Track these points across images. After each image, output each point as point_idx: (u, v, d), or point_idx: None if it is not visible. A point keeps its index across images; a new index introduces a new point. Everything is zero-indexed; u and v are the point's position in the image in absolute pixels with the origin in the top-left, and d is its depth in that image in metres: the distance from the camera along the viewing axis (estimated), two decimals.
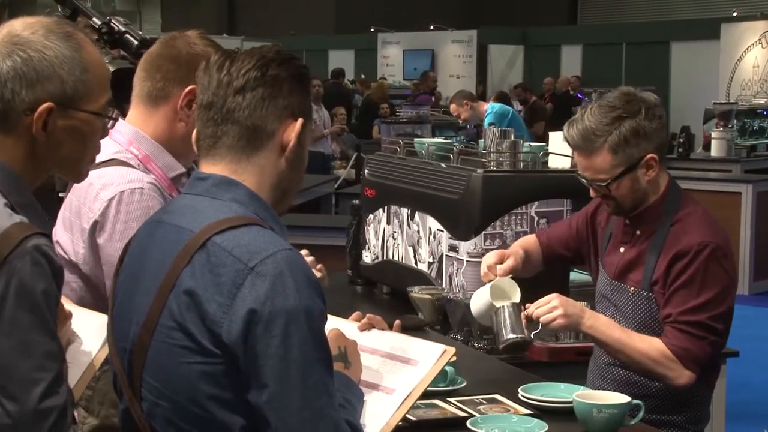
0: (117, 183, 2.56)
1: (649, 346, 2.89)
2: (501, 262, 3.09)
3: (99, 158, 2.65)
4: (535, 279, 3.58)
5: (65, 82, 1.90)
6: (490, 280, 3.05)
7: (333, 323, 2.21)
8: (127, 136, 2.66)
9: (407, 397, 2.07)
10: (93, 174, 2.61)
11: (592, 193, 3.05)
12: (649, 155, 2.91)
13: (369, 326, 2.27)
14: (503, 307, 2.93)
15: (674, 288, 2.89)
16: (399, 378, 2.11)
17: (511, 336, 2.87)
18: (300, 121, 1.95)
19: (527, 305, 2.96)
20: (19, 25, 1.93)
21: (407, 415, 2.55)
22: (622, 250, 3.04)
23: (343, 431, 1.82)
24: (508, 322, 2.90)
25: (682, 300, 2.87)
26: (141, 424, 1.90)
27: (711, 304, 2.86)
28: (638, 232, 3.01)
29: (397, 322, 2.39)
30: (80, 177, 2.05)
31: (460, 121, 10.28)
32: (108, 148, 2.67)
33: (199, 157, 1.98)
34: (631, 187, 2.93)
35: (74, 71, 1.91)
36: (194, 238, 1.84)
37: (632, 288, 2.98)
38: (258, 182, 1.94)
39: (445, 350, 2.16)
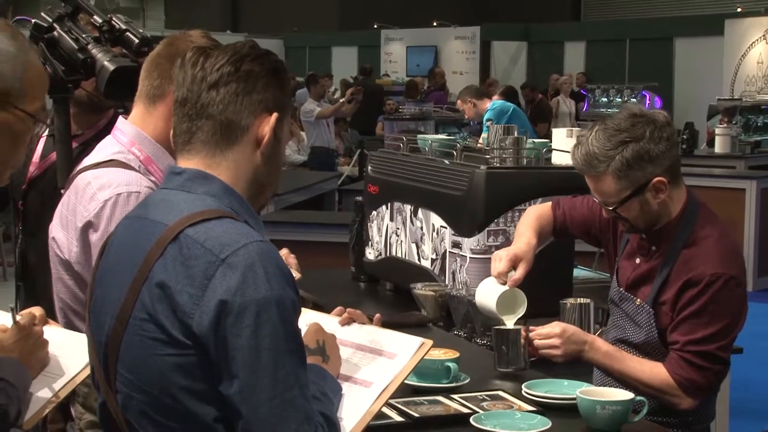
0: (115, 185, 2.56)
1: (650, 374, 2.87)
2: (513, 266, 3.07)
3: (99, 157, 2.67)
4: (538, 277, 3.58)
5: (4, 77, 1.92)
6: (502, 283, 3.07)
7: (313, 317, 2.22)
8: (130, 137, 2.66)
9: (384, 390, 2.07)
10: (91, 174, 2.62)
11: (605, 214, 3.03)
12: (657, 179, 2.85)
13: (349, 320, 2.27)
14: (507, 331, 2.98)
15: (683, 316, 2.85)
16: (376, 371, 2.11)
17: (511, 367, 2.95)
18: (275, 115, 1.96)
19: (532, 328, 2.98)
20: None
21: (410, 412, 2.55)
22: (637, 261, 3.02)
23: (316, 423, 1.82)
24: (509, 349, 2.96)
25: (691, 329, 2.84)
26: (117, 417, 1.92)
27: (720, 334, 2.83)
28: (654, 248, 2.97)
29: (377, 315, 2.39)
30: (1, 179, 2.04)
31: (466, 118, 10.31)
32: (109, 147, 2.68)
33: (175, 152, 1.99)
34: (640, 209, 2.89)
35: (15, 69, 1.94)
36: (167, 231, 1.86)
37: (638, 300, 2.97)
38: (233, 176, 1.95)
39: (423, 343, 2.16)
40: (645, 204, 2.88)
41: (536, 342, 2.94)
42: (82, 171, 2.67)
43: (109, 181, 2.57)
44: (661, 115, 2.92)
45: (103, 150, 2.70)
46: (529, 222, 3.25)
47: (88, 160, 2.71)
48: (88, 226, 2.56)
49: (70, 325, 2.64)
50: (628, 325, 3.01)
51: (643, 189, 2.86)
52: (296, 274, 3.21)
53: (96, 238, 2.52)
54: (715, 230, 2.91)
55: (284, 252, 3.31)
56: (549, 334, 2.94)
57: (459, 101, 10.29)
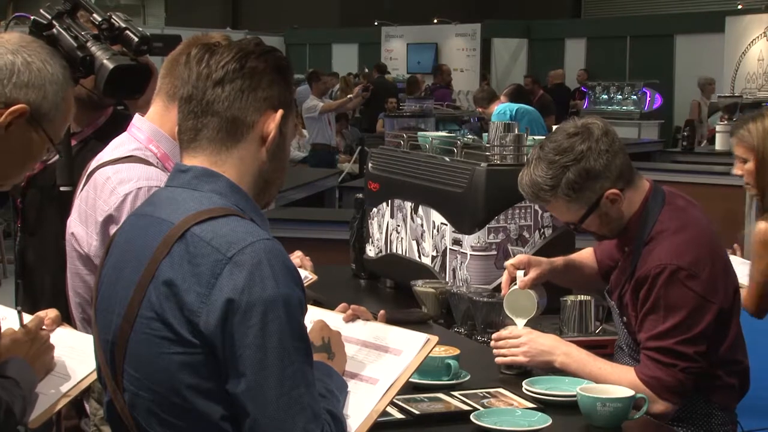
0: (135, 179, 2.59)
1: (621, 378, 2.78)
2: (522, 267, 3.09)
3: (117, 154, 2.70)
4: None
5: (46, 99, 1.99)
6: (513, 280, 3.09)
7: (318, 314, 2.22)
8: (147, 134, 2.71)
9: (390, 386, 2.07)
10: (111, 169, 2.65)
11: (570, 228, 3.05)
12: (609, 191, 2.83)
13: (354, 317, 2.27)
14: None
15: (642, 314, 2.82)
16: (382, 368, 2.11)
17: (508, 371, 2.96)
18: (280, 112, 1.96)
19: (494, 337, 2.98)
20: (31, 37, 2.09)
21: (411, 409, 2.55)
22: (619, 263, 3.03)
23: (323, 420, 1.82)
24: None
25: (651, 326, 2.79)
26: (124, 415, 1.92)
27: (678, 329, 2.75)
28: (626, 249, 2.96)
29: (382, 312, 2.39)
30: None
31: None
32: (127, 144, 2.72)
33: (180, 150, 1.99)
34: (600, 222, 2.89)
35: (57, 95, 2.01)
36: (174, 229, 1.86)
37: (613, 302, 2.98)
38: (239, 174, 1.95)
39: (428, 339, 2.16)
40: (604, 216, 2.88)
41: (497, 351, 2.93)
42: (100, 167, 2.69)
43: (129, 176, 2.61)
44: (596, 126, 2.85)
45: (121, 147, 2.73)
46: (577, 253, 3.26)
47: (104, 156, 2.74)
48: (109, 220, 2.59)
49: (87, 320, 2.66)
50: (618, 329, 3.02)
51: (597, 204, 2.85)
52: (312, 276, 3.22)
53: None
54: (674, 223, 2.85)
55: (298, 254, 3.32)
56: (510, 336, 2.94)
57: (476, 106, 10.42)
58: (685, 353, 2.76)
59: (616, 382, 2.75)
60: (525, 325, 3.02)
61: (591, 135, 2.83)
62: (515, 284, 3.08)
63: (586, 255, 3.29)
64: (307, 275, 3.21)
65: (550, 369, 2.88)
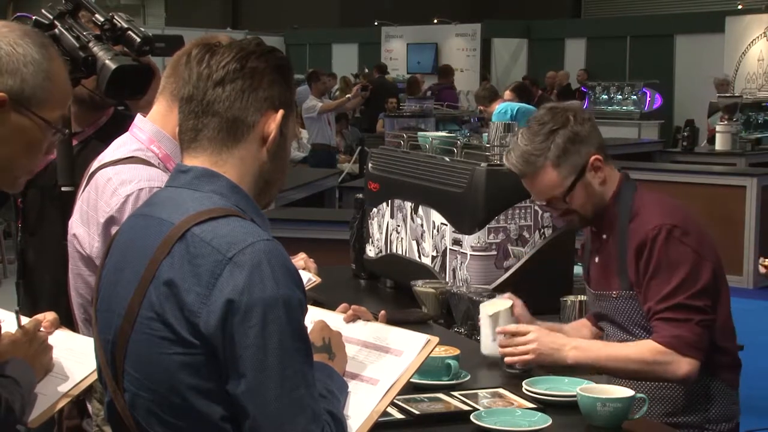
0: (136, 180, 2.59)
1: (640, 349, 2.85)
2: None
3: (119, 154, 2.70)
4: (538, 275, 3.58)
5: (25, 82, 1.92)
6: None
7: (318, 315, 2.22)
8: (148, 134, 2.71)
9: (391, 387, 2.07)
10: (112, 170, 2.66)
11: (553, 214, 3.05)
12: (593, 156, 2.94)
13: (354, 317, 2.27)
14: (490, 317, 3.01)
15: (646, 281, 2.87)
16: (383, 368, 2.11)
17: (511, 369, 2.94)
18: (281, 112, 1.96)
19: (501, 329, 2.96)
20: (0, 22, 1.98)
21: (411, 409, 2.55)
22: (597, 259, 3.05)
23: (323, 421, 1.82)
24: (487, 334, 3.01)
25: (657, 290, 2.85)
26: (124, 415, 1.92)
27: (684, 284, 2.83)
28: (605, 236, 3.01)
29: (382, 312, 2.39)
30: (14, 185, 2.03)
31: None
32: (129, 144, 2.72)
33: (181, 150, 1.99)
34: (586, 193, 2.96)
35: (38, 75, 1.94)
36: (174, 230, 1.86)
37: (614, 293, 2.98)
38: (239, 174, 1.94)
39: (429, 340, 2.16)
40: (589, 186, 2.96)
41: (503, 350, 2.92)
42: (101, 168, 2.70)
43: (130, 177, 2.61)
44: (575, 103, 3.07)
45: (122, 147, 2.73)
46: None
47: (106, 157, 2.74)
48: (111, 222, 2.59)
49: (89, 321, 2.66)
50: (618, 329, 3.00)
51: (583, 171, 2.94)
52: (315, 279, 3.23)
53: None
54: (654, 196, 2.99)
55: (302, 256, 3.33)
56: (518, 332, 2.92)
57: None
58: (696, 306, 2.83)
59: (635, 354, 2.83)
60: (508, 309, 3.01)
61: (573, 107, 3.04)
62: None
63: (578, 323, 3.24)
64: (310, 277, 3.21)
65: (560, 366, 2.89)
